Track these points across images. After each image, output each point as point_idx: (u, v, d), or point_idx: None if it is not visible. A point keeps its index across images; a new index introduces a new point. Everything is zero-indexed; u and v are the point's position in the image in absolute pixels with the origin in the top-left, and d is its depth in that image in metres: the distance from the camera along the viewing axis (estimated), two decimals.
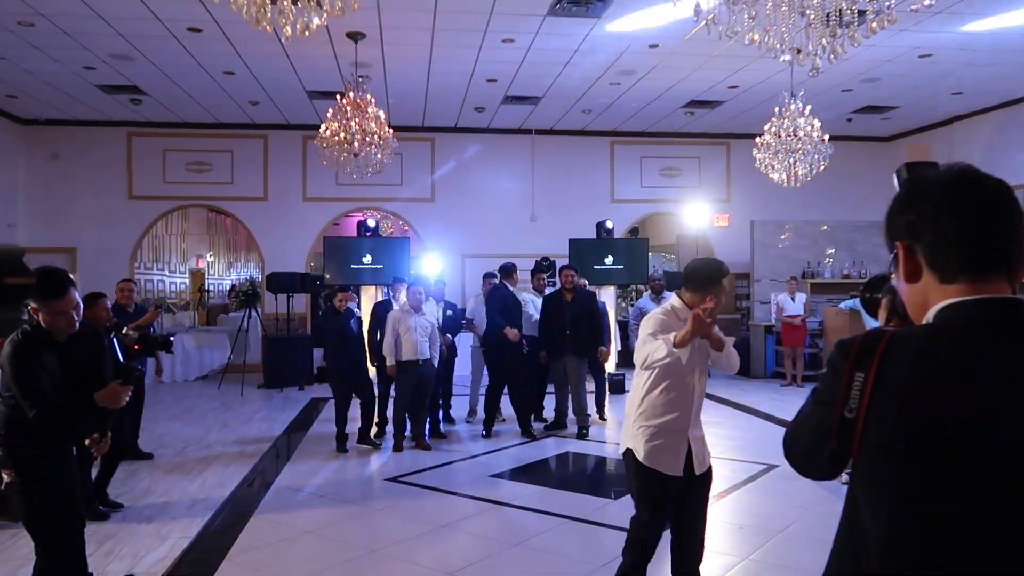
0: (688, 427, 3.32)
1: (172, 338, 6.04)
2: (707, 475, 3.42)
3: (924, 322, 1.21)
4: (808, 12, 3.64)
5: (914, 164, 1.34)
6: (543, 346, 8.01)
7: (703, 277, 3.33)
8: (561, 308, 7.92)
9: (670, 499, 3.36)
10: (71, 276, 3.25)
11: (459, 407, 8.83)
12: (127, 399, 3.28)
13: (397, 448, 7.18)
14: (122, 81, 10.31)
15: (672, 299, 3.46)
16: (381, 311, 7.73)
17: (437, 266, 11.72)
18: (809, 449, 1.25)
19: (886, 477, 1.13)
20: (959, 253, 1.16)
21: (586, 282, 9.12)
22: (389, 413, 7.61)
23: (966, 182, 1.19)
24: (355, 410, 7.51)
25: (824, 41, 3.58)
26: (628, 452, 3.39)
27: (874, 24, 3.57)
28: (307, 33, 3.90)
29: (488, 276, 8.59)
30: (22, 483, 3.06)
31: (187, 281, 18.18)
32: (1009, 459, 1.07)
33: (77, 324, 3.19)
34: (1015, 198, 1.19)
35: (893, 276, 1.32)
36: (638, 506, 3.43)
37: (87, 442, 3.39)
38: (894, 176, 1.37)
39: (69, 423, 3.21)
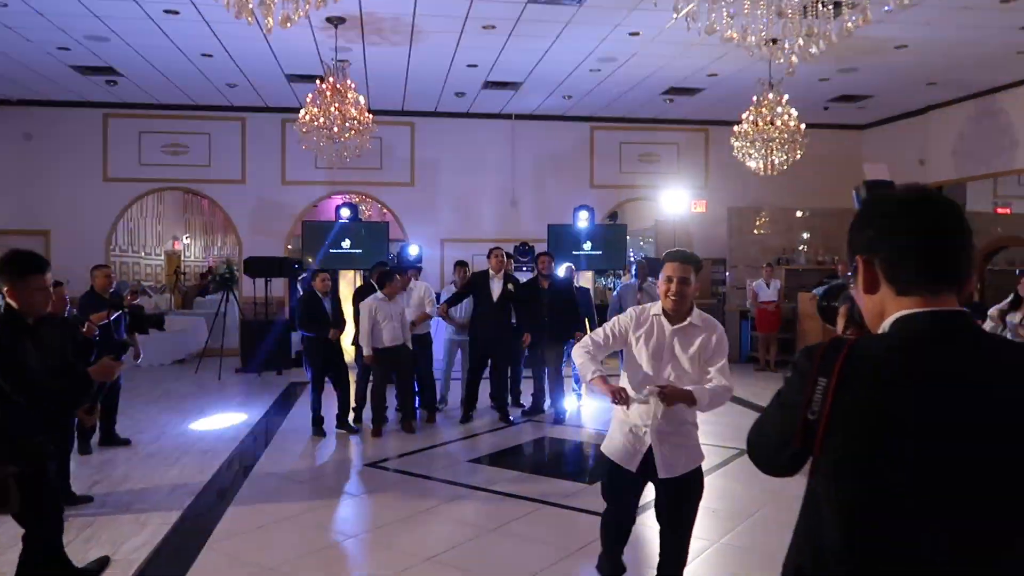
0: (652, 426, 3.22)
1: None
2: (682, 483, 3.29)
3: (880, 331, 1.30)
4: (787, 11, 3.70)
5: (873, 182, 1.42)
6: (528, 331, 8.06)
7: (655, 264, 3.45)
8: (538, 295, 7.99)
9: (633, 488, 3.41)
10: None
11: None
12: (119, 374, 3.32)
13: (376, 434, 7.23)
14: (97, 62, 10.16)
15: (655, 305, 3.35)
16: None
17: (416, 250, 11.73)
18: (773, 449, 1.36)
19: (845, 475, 1.22)
20: (914, 268, 1.26)
21: (572, 266, 9.24)
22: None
23: (922, 203, 1.28)
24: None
25: (800, 40, 3.64)
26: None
27: (849, 24, 3.64)
28: (288, 25, 3.90)
29: (460, 265, 8.61)
30: (19, 473, 3.07)
31: (163, 264, 18.03)
32: (956, 459, 1.16)
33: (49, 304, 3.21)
34: (965, 218, 1.30)
35: (851, 287, 1.41)
36: (601, 486, 3.55)
37: (79, 413, 3.46)
38: (853, 193, 1.45)
39: (62, 404, 3.23)
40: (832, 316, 1.64)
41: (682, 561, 3.44)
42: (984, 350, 1.24)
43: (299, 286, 13.04)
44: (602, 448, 3.43)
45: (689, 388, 3.14)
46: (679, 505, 3.34)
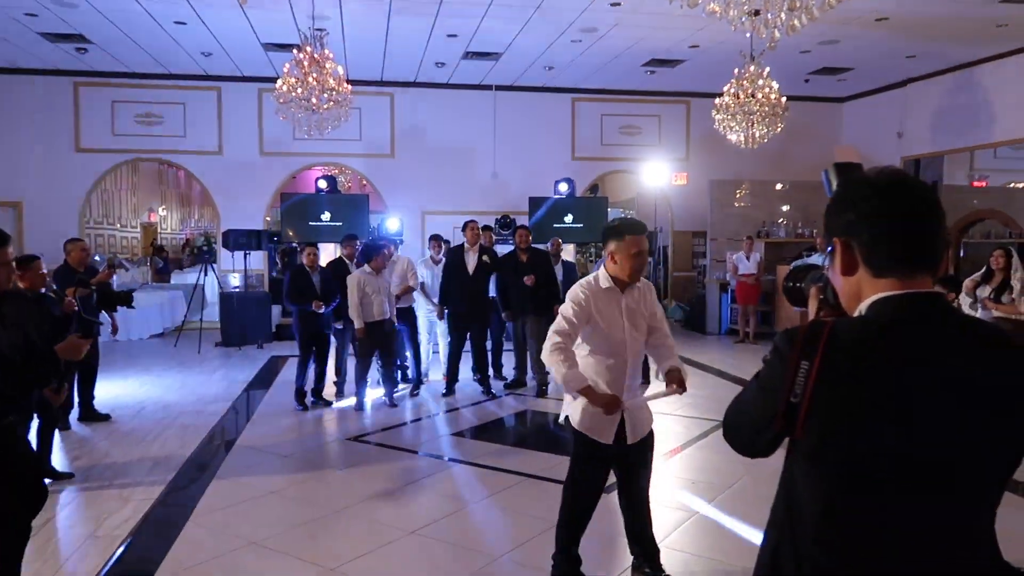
0: (621, 396, 3.28)
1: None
2: (644, 444, 3.45)
3: (857, 313, 1.33)
4: None
5: (843, 164, 1.44)
6: (505, 307, 8.08)
7: (605, 235, 3.35)
8: (518, 268, 7.99)
9: (606, 463, 3.41)
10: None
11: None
12: (86, 352, 3.25)
13: (358, 407, 7.23)
14: (67, 29, 9.90)
15: (601, 277, 3.34)
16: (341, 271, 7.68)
17: (396, 223, 11.67)
18: (754, 431, 1.36)
19: (826, 458, 1.25)
20: (892, 251, 1.29)
21: (560, 241, 9.28)
22: (348, 373, 7.68)
23: (899, 187, 1.30)
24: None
25: (783, 15, 3.63)
26: (567, 419, 3.41)
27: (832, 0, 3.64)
28: None
29: (435, 238, 8.57)
30: None
31: (139, 236, 17.79)
32: (936, 443, 1.20)
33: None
34: (939, 202, 1.32)
35: (827, 268, 1.45)
36: (572, 464, 3.47)
37: (46, 392, 3.33)
38: (823, 174, 1.47)
39: (31, 381, 3.17)
40: (798, 297, 1.65)
41: (650, 519, 3.56)
42: (961, 332, 1.27)
43: (276, 259, 12.96)
44: (575, 425, 3.33)
45: (675, 365, 3.38)
46: (644, 467, 3.50)
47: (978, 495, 1.23)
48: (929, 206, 1.30)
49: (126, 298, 5.71)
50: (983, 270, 6.86)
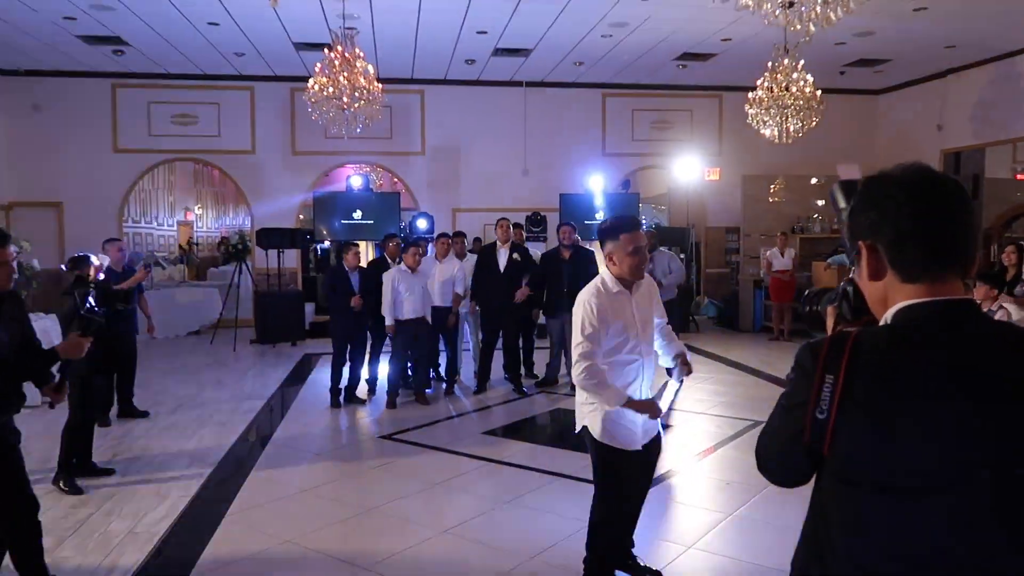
0: (645, 394, 3.31)
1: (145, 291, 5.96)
2: (656, 442, 3.44)
3: (883, 321, 1.27)
4: None
5: (849, 182, 1.40)
6: (545, 304, 7.99)
7: (601, 234, 3.31)
8: (559, 266, 7.89)
9: (632, 470, 3.33)
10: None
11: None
12: (87, 349, 3.24)
13: (391, 405, 7.27)
14: (104, 32, 10.08)
15: (607, 280, 3.28)
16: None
17: (423, 222, 11.71)
18: (783, 455, 1.31)
19: (854, 471, 1.20)
20: (920, 254, 1.22)
21: (577, 238, 9.15)
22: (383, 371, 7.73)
23: (926, 183, 1.24)
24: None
25: (817, 8, 3.55)
26: (584, 429, 3.34)
27: None
28: None
29: (458, 236, 8.52)
30: None
31: (176, 234, 18.09)
32: (968, 457, 1.14)
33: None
34: (970, 198, 1.26)
35: (853, 271, 1.38)
36: (599, 485, 3.37)
37: (45, 390, 3.27)
38: (830, 192, 1.44)
39: (21, 380, 3.16)
40: (817, 322, 1.59)
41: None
42: (991, 339, 1.21)
43: (311, 257, 13.10)
44: (598, 437, 3.25)
45: (681, 350, 3.48)
46: (653, 463, 3.54)
47: (1013, 506, 1.15)
48: (958, 203, 1.23)
49: (126, 296, 5.68)
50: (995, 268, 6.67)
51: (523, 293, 7.82)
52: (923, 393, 1.16)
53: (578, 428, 3.41)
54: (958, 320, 1.21)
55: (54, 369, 3.33)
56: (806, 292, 1.65)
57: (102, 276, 5.79)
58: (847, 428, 1.18)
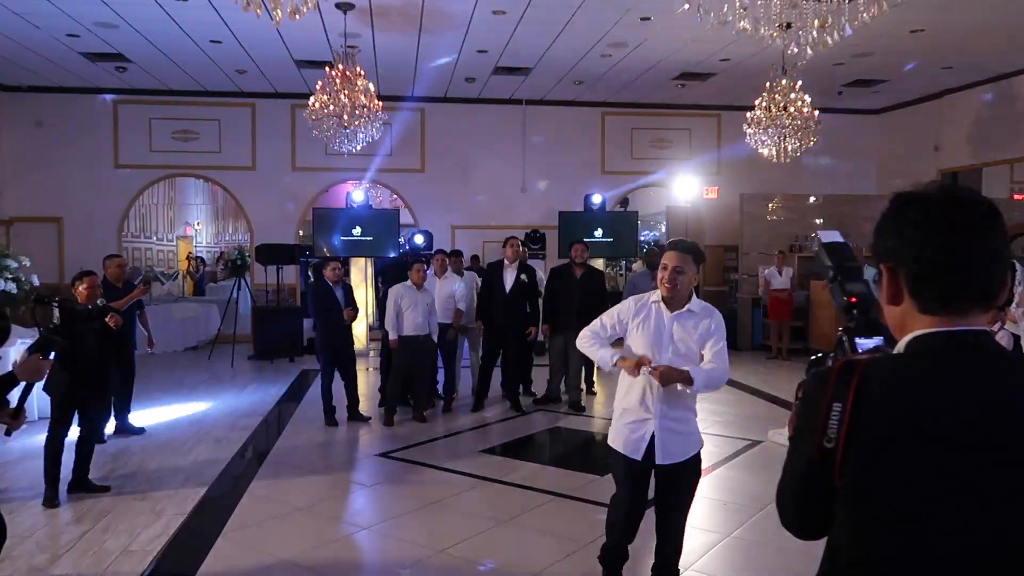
0: (652, 414, 3.29)
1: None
2: (680, 470, 3.32)
3: (896, 351, 1.25)
4: (800, 2, 3.64)
5: (832, 244, 1.44)
6: (547, 319, 7.99)
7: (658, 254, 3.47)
8: (570, 283, 7.85)
9: (640, 481, 3.39)
10: None
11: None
12: (47, 371, 3.14)
13: (388, 422, 7.25)
14: (107, 49, 10.15)
15: (655, 292, 3.38)
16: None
17: (421, 238, 11.73)
18: (798, 493, 1.27)
19: (863, 500, 1.18)
20: (941, 288, 1.18)
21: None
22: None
23: (953, 208, 1.18)
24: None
25: (814, 33, 3.59)
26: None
27: (864, 15, 3.58)
28: (297, 17, 3.87)
29: (440, 253, 8.49)
30: None
31: (175, 249, 18.10)
32: (968, 480, 1.12)
33: None
34: (1002, 221, 1.20)
35: (877, 289, 1.34)
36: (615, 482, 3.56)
37: (1, 416, 3.14)
38: (816, 252, 1.49)
39: None
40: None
41: (679, 548, 3.47)
42: (1001, 368, 1.17)
43: (310, 273, 13.11)
44: (609, 442, 3.47)
45: (685, 368, 3.22)
46: (676, 492, 3.40)
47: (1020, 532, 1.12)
48: (987, 230, 1.17)
49: (94, 316, 5.42)
50: None
51: (533, 334, 7.93)
52: (931, 422, 1.13)
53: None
54: (968, 349, 1.18)
55: (14, 393, 3.16)
56: (813, 356, 1.62)
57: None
58: (856, 458, 1.16)
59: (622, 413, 3.39)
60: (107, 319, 5.50)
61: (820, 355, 1.61)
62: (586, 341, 3.49)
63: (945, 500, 1.13)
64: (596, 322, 3.51)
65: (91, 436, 5.41)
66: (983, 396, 1.14)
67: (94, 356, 5.33)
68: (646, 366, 3.21)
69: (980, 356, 1.18)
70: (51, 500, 4.97)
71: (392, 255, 11.33)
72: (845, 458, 1.17)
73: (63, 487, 5.15)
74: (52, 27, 9.18)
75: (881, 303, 1.31)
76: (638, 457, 3.32)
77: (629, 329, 3.39)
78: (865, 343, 1.54)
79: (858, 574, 1.19)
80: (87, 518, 4.76)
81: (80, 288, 5.50)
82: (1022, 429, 1.12)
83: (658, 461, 3.31)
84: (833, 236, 1.49)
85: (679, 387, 3.24)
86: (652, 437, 3.30)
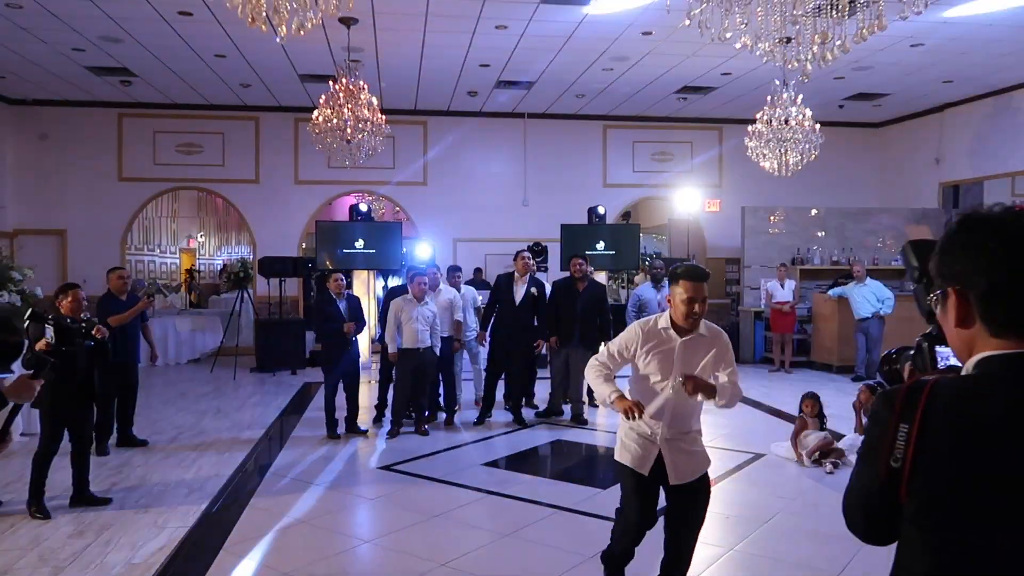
0: (660, 434, 3.32)
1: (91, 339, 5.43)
2: (692, 489, 3.35)
3: (964, 372, 1.27)
4: (800, 18, 3.67)
5: (918, 242, 1.41)
6: (553, 333, 7.97)
7: (665, 277, 3.46)
8: (572, 297, 7.86)
9: (647, 496, 3.39)
10: None
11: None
12: (37, 392, 3.02)
13: (393, 435, 7.26)
14: (112, 63, 10.23)
15: (662, 317, 3.39)
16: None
17: (428, 251, 11.76)
18: (866, 507, 1.30)
19: (930, 522, 1.20)
20: (1013, 311, 1.19)
21: (590, 270, 9.15)
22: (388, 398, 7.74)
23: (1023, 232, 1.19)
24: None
25: (815, 48, 3.62)
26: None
27: (864, 31, 3.61)
28: (302, 32, 3.91)
29: (453, 270, 8.57)
30: None
31: (178, 262, 18.15)
32: None
33: None
34: None
35: (937, 311, 1.34)
36: (621, 498, 3.54)
37: None
38: (901, 251, 1.47)
39: None
40: (896, 379, 1.61)
41: (687, 564, 3.48)
42: None
43: (313, 285, 13.15)
44: (616, 457, 3.47)
45: (712, 382, 3.25)
46: (689, 510, 3.40)
47: None
48: None
49: (86, 333, 5.34)
50: None
51: (541, 347, 7.95)
52: (999, 446, 1.14)
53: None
54: None
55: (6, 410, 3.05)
56: (885, 352, 1.63)
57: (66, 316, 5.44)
58: (922, 478, 1.18)
59: (628, 431, 3.39)
60: (93, 331, 5.44)
61: (894, 353, 1.61)
62: (593, 372, 3.44)
63: (1005, 520, 1.14)
64: (604, 351, 3.48)
65: (84, 452, 5.35)
66: None
67: (85, 372, 5.31)
68: (677, 378, 3.25)
69: None
70: (35, 509, 4.97)
71: (402, 282, 11.32)
72: (912, 478, 1.19)
73: (64, 501, 5.15)
74: (58, 41, 9.26)
75: (944, 325, 1.32)
76: (646, 472, 3.33)
77: (639, 356, 3.35)
78: (945, 351, 1.52)
79: None
80: (89, 531, 4.76)
81: (64, 302, 5.43)
82: None
83: (671, 482, 3.33)
84: (922, 234, 1.49)
85: (700, 398, 3.26)
86: (659, 455, 3.33)
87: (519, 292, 7.86)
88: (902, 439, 1.19)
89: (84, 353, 5.32)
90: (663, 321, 3.35)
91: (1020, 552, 1.13)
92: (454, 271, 8.57)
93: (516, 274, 7.97)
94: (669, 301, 3.40)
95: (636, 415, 3.17)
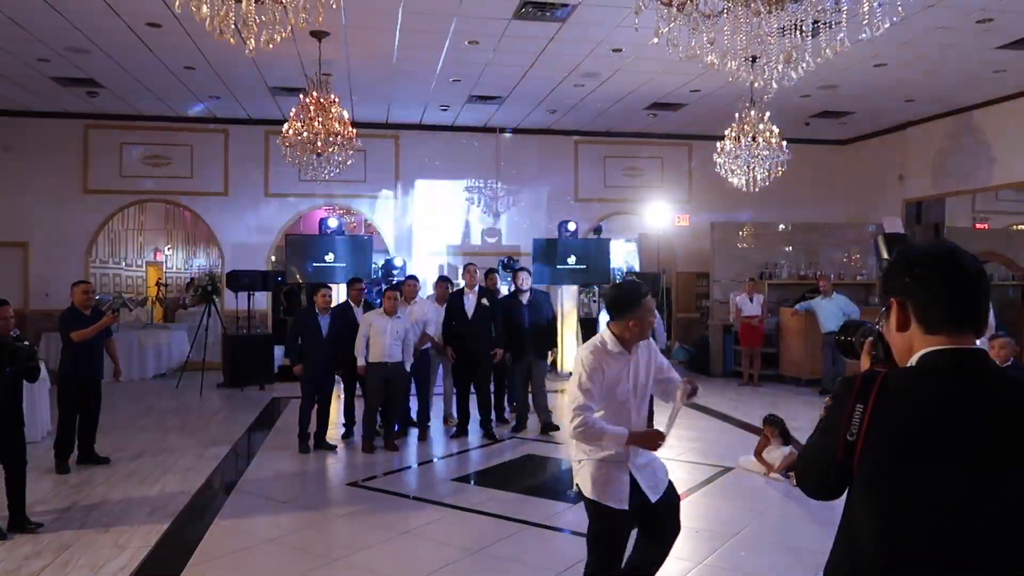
0: (628, 458, 3.22)
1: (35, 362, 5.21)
2: (668, 496, 3.34)
3: (909, 364, 1.53)
4: (768, 37, 3.75)
5: (891, 235, 1.61)
6: (505, 347, 8.03)
7: (622, 303, 3.25)
8: (518, 311, 8.07)
9: (624, 532, 3.26)
10: None
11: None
12: None
13: (367, 449, 7.19)
14: (79, 74, 10.08)
15: (602, 331, 3.33)
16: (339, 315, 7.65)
17: (399, 262, 11.71)
18: (820, 471, 1.55)
19: (877, 490, 1.43)
20: (943, 314, 1.50)
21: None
22: (356, 414, 7.66)
23: (952, 257, 1.52)
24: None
25: (779, 67, 3.70)
26: (579, 487, 3.31)
27: (827, 50, 3.69)
28: (271, 46, 3.89)
29: (443, 280, 8.61)
30: None
31: (144, 275, 17.86)
32: (973, 472, 1.37)
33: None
34: (985, 274, 1.55)
35: (880, 322, 1.68)
36: (589, 541, 3.27)
37: None
38: (873, 243, 1.66)
39: None
40: (849, 350, 1.85)
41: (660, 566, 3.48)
42: (1000, 383, 1.44)
43: (282, 299, 13.03)
44: (588, 495, 3.22)
45: (677, 381, 3.48)
46: (673, 518, 3.41)
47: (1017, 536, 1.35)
48: (978, 274, 1.51)
49: (31, 354, 5.07)
50: None
51: (499, 356, 7.93)
52: (937, 426, 1.39)
53: (574, 486, 3.37)
54: (973, 366, 1.47)
55: None
56: (844, 322, 1.91)
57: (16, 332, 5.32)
58: (873, 451, 1.42)
59: (599, 463, 3.19)
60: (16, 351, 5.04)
61: (851, 326, 1.85)
62: (588, 428, 3.10)
63: (943, 482, 1.37)
64: (579, 396, 3.13)
65: (17, 476, 5.06)
66: (984, 405, 1.41)
67: (8, 394, 5.03)
68: (683, 387, 3.36)
69: (981, 371, 1.47)
70: None
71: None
72: (864, 449, 1.44)
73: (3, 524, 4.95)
74: (23, 52, 9.10)
75: (887, 332, 1.62)
76: (624, 506, 3.18)
77: (605, 383, 3.20)
78: None
79: (876, 551, 1.42)
80: (47, 551, 4.64)
81: None
82: (1016, 435, 1.37)
83: (653, 499, 3.26)
84: (896, 226, 1.72)
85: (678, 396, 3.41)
86: (631, 478, 3.21)
87: (470, 305, 7.90)
88: (858, 417, 1.44)
89: (7, 378, 4.99)
90: (611, 344, 3.25)
91: (955, 507, 1.36)
92: (412, 280, 8.54)
93: (465, 288, 8.01)
94: (635, 324, 3.22)
95: (659, 444, 3.21)
